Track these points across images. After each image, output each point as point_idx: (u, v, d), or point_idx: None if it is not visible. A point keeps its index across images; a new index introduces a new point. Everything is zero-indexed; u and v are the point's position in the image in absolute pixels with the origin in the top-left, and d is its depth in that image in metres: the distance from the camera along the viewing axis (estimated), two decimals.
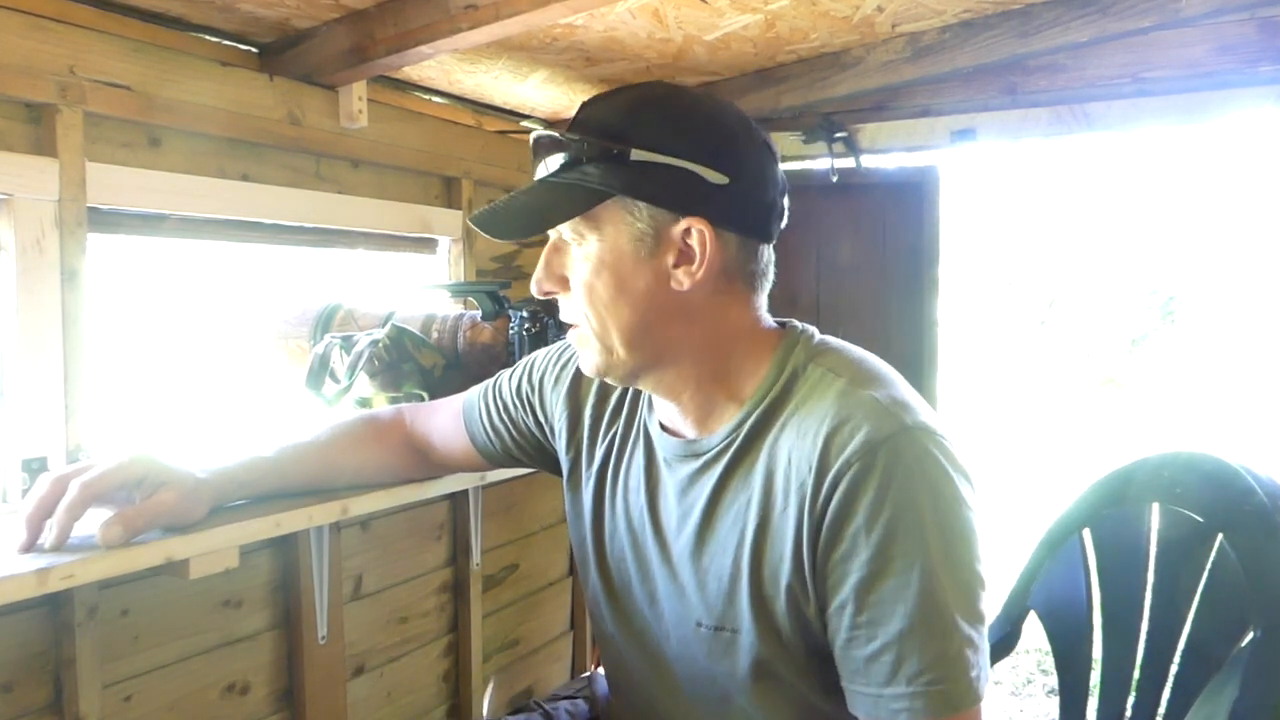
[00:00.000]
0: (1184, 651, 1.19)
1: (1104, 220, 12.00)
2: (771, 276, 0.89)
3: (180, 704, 1.29)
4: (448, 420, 1.15)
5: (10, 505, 1.16)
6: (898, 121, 2.02)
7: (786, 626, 0.81)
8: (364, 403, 1.39)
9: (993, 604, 0.85)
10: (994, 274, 11.74)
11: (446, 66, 1.71)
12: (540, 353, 1.10)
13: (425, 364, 1.42)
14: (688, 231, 0.81)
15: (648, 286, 0.82)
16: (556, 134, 0.83)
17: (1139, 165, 12.21)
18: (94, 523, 0.87)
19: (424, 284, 1.92)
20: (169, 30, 1.36)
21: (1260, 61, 1.64)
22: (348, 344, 1.42)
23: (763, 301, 0.89)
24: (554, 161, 0.83)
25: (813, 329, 0.90)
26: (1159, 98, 1.76)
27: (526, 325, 1.42)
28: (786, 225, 0.88)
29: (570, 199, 0.81)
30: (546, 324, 1.42)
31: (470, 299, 1.74)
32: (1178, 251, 11.37)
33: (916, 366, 2.17)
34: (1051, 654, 1.32)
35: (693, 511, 0.87)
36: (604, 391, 1.00)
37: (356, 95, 1.58)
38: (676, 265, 0.82)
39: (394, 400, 1.37)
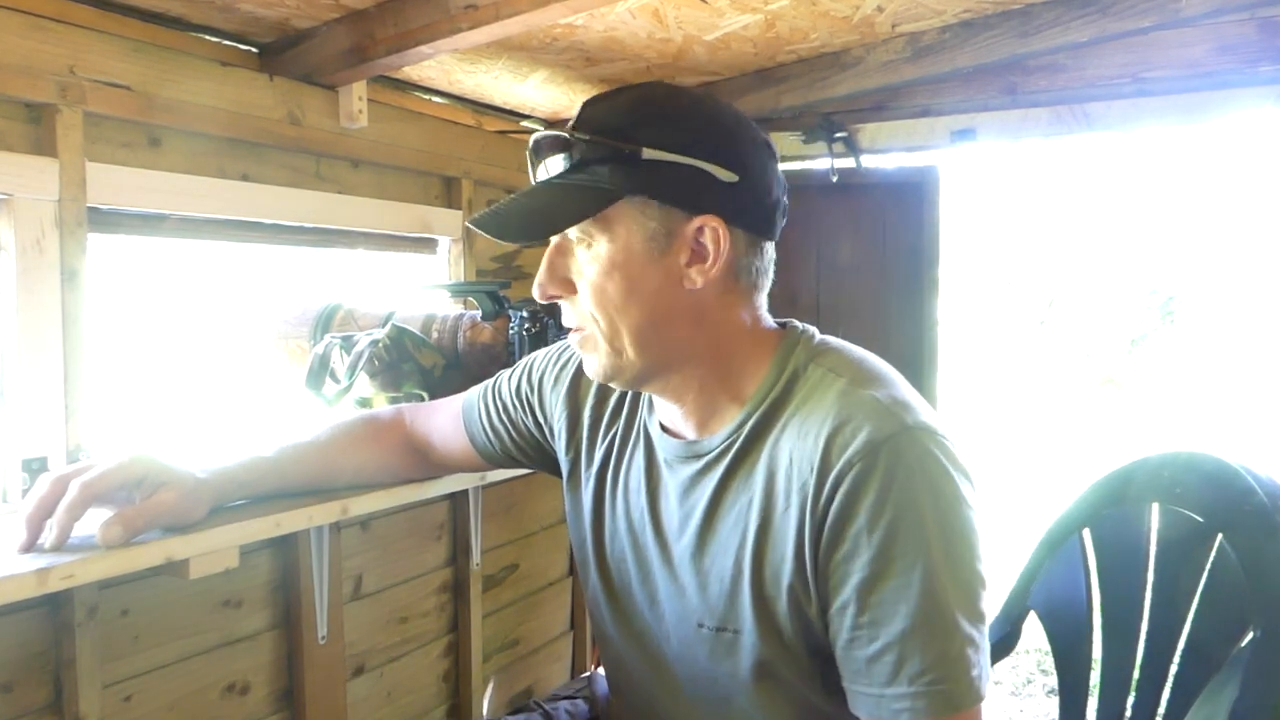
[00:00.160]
0: (1184, 651, 1.19)
1: (1104, 220, 12.02)
2: (772, 275, 0.89)
3: (180, 704, 1.29)
4: (447, 421, 1.15)
5: (10, 505, 1.16)
6: (898, 121, 2.02)
7: (788, 627, 0.81)
8: (364, 403, 1.39)
9: (993, 604, 0.84)
10: (994, 274, 11.75)
11: (446, 66, 1.71)
12: (540, 353, 1.10)
13: (425, 364, 1.42)
14: (701, 230, 0.81)
15: (659, 286, 0.82)
16: (564, 134, 0.82)
17: (1139, 165, 12.24)
18: (94, 523, 0.87)
19: (424, 284, 1.92)
20: (169, 30, 1.36)
21: (1260, 61, 1.64)
22: (348, 344, 1.42)
23: (764, 301, 0.89)
24: (557, 163, 0.82)
25: (813, 329, 0.90)
26: (1159, 98, 1.76)
27: (526, 325, 1.42)
28: (786, 225, 0.88)
29: (580, 201, 0.80)
30: (546, 324, 1.42)
31: (470, 299, 1.74)
32: (1177, 251, 11.38)
33: (916, 366, 2.17)
34: (1051, 654, 1.32)
35: (694, 513, 0.87)
36: (603, 392, 1.00)
37: (356, 95, 1.58)
38: (689, 264, 0.82)
39: (394, 400, 1.37)
